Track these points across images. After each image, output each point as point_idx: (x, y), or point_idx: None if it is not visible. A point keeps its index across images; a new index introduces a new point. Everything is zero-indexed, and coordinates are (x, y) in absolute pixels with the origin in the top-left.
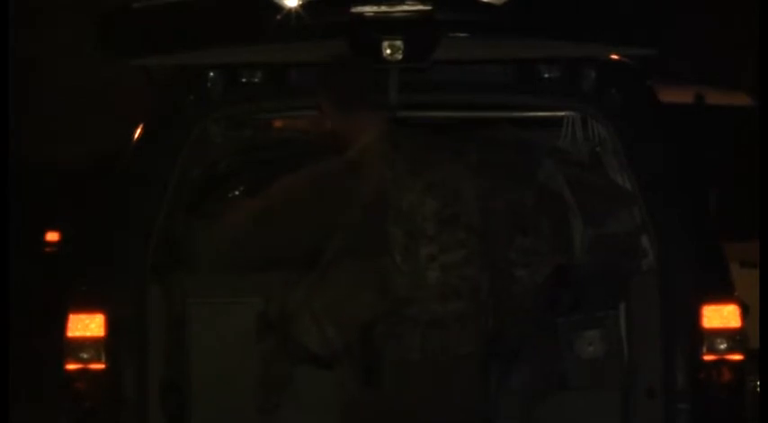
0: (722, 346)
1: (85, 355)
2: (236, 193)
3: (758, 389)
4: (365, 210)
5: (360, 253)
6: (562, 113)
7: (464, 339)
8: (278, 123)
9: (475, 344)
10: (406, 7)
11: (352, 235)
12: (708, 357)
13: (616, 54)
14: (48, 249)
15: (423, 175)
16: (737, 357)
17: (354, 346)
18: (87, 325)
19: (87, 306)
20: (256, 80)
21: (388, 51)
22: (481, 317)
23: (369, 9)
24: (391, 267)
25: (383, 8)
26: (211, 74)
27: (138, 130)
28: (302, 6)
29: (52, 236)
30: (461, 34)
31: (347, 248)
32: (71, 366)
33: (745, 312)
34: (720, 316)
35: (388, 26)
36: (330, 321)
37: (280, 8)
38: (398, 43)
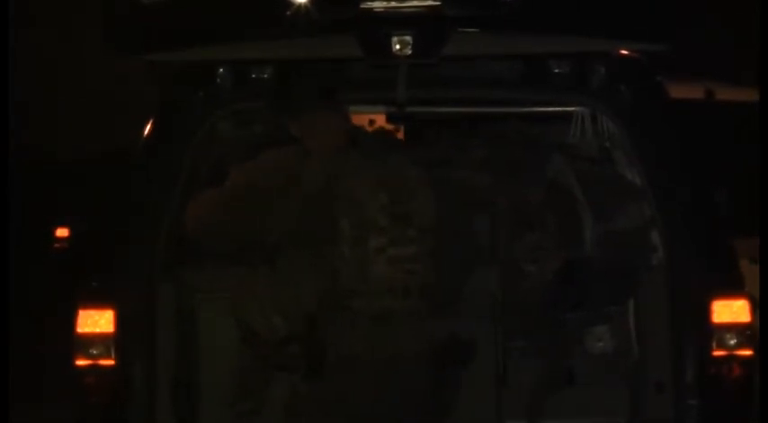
0: (732, 342)
1: (95, 351)
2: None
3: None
4: (313, 199)
5: (307, 242)
6: (572, 109)
7: (412, 338)
8: None
9: (425, 344)
10: (415, 3)
11: (300, 223)
12: (717, 352)
13: (625, 49)
14: (57, 246)
15: (376, 170)
16: (747, 352)
17: (300, 336)
18: (97, 321)
19: (97, 302)
20: (266, 76)
21: (398, 47)
22: (434, 317)
23: (378, 4)
24: (338, 258)
25: (393, 3)
26: (220, 70)
27: (148, 127)
28: (312, 2)
29: (62, 232)
30: (470, 30)
31: (295, 237)
32: (81, 362)
33: (755, 307)
34: (730, 311)
35: (397, 21)
36: (276, 310)
37: (289, 4)
38: (408, 39)
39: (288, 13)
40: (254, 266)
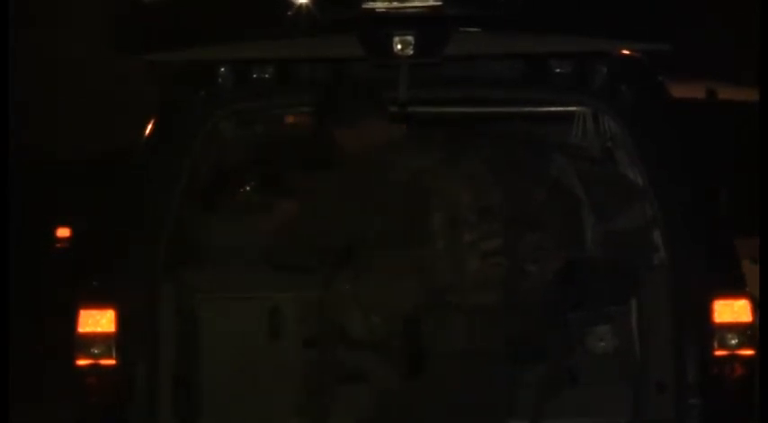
0: (733, 342)
1: (96, 351)
2: (248, 188)
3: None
4: (403, 198)
5: (400, 240)
6: (573, 109)
7: (497, 331)
8: (290, 119)
9: (504, 336)
10: (417, 3)
11: (392, 223)
12: (719, 352)
13: (627, 49)
14: (59, 245)
15: (457, 167)
16: (749, 352)
17: (398, 334)
18: (98, 320)
19: (98, 301)
20: (267, 76)
21: (399, 47)
22: (510, 309)
23: (380, 4)
24: (433, 254)
25: (394, 3)
26: (222, 69)
27: (149, 127)
28: (313, 2)
29: (63, 232)
30: (472, 29)
31: (387, 236)
32: (82, 362)
33: (755, 307)
34: (731, 311)
35: (399, 21)
36: (376, 310)
37: (291, 4)
38: (409, 38)
39: (289, 12)
40: (348, 269)
